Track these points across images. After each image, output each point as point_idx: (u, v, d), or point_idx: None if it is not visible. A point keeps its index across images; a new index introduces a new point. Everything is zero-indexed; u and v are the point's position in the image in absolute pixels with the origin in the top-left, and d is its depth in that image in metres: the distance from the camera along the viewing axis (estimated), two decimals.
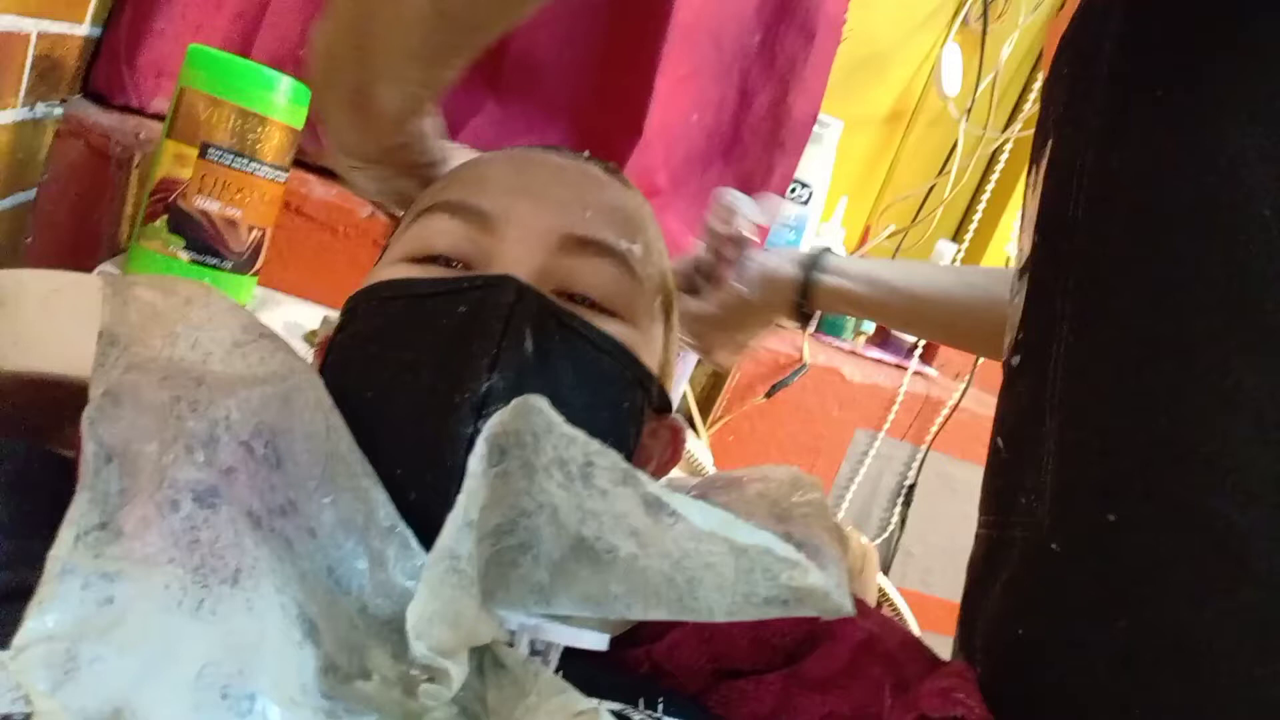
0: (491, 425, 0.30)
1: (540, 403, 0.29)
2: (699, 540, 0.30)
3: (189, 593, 0.25)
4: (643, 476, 0.29)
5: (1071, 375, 0.35)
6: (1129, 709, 0.32)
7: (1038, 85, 1.39)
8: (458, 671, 0.29)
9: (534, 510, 0.33)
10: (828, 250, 0.71)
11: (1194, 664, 0.31)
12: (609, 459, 0.30)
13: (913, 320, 0.71)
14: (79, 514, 0.27)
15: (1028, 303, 0.39)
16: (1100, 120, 0.36)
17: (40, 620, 0.23)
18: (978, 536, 0.42)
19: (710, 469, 1.02)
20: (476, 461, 0.29)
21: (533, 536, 0.34)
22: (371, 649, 0.31)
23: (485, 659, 0.35)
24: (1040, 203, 0.39)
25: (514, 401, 0.29)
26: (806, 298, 0.69)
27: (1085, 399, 0.35)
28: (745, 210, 0.70)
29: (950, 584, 1.44)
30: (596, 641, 0.33)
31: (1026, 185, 0.42)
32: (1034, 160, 0.41)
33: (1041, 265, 0.38)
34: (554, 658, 0.37)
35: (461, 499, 0.29)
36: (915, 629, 1.05)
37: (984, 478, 0.42)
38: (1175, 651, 0.31)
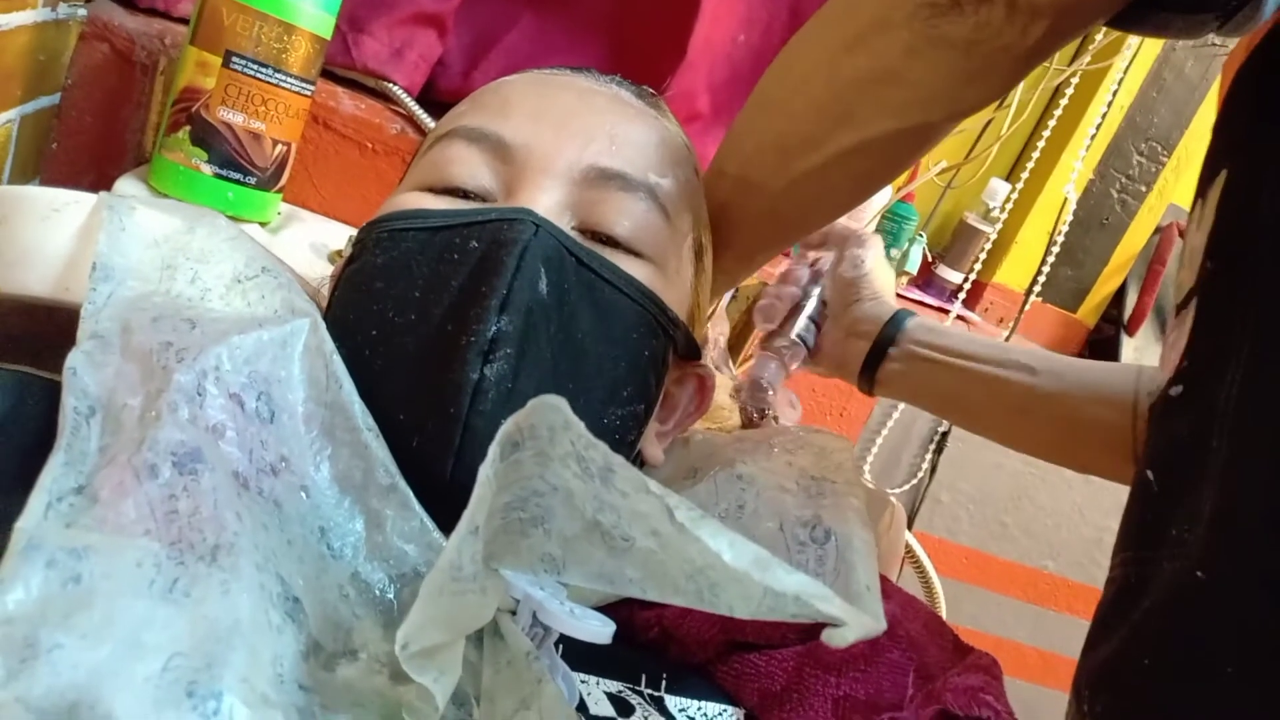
0: (505, 426, 0.27)
1: (559, 402, 0.26)
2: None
3: (163, 571, 0.24)
4: (671, 496, 0.26)
5: (1251, 400, 0.32)
6: None
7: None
8: (440, 691, 0.27)
9: (546, 491, 0.31)
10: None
11: None
12: (631, 472, 0.27)
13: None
14: (51, 479, 0.25)
15: (1194, 333, 0.37)
16: None
17: (0, 601, 0.21)
18: (1110, 581, 0.38)
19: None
20: (486, 467, 0.26)
21: (545, 513, 0.32)
22: (361, 622, 0.30)
23: (486, 626, 0.34)
24: (1212, 233, 0.37)
25: (531, 402, 0.27)
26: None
27: (1264, 424, 0.32)
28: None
29: (976, 533, 1.42)
30: (598, 634, 0.31)
31: (1190, 220, 0.40)
32: (1200, 195, 0.40)
33: (1214, 294, 0.36)
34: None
35: (469, 508, 0.26)
36: (935, 578, 1.04)
37: (1125, 514, 0.39)
38: None
